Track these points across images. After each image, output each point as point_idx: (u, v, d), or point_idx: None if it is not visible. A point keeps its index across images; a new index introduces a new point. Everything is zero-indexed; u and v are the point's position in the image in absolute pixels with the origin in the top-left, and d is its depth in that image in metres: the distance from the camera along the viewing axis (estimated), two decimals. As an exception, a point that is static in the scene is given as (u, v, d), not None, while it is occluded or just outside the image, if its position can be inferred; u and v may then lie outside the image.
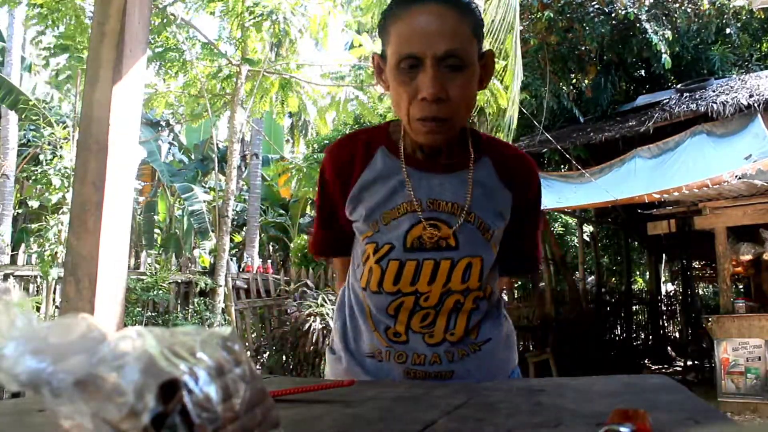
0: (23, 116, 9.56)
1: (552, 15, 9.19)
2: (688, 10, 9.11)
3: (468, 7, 0.96)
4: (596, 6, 9.40)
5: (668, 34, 8.71)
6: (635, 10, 8.80)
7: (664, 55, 8.54)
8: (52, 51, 6.99)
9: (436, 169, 1.04)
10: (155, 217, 12.78)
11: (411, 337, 1.05)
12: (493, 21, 5.48)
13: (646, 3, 9.04)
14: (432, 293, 1.03)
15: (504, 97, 6.48)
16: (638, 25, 8.85)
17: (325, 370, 1.20)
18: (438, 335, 1.04)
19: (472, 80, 0.97)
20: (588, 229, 12.01)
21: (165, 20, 7.17)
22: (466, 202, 1.02)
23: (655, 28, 8.69)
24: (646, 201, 6.85)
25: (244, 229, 12.93)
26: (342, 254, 1.19)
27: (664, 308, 12.41)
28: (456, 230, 1.01)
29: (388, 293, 1.04)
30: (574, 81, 10.31)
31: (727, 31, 9.40)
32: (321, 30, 7.23)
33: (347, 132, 15.27)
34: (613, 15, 9.19)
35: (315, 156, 11.37)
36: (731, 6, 9.22)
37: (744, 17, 9.62)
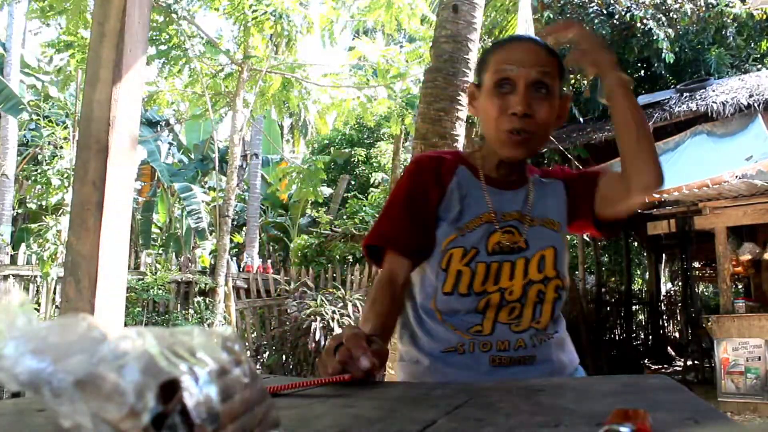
0: (21, 117, 9.56)
1: (552, 15, 9.19)
2: (688, 11, 9.11)
3: (555, 51, 1.18)
4: (596, 7, 9.39)
5: (671, 32, 8.71)
6: (638, 12, 8.81)
7: (665, 53, 8.54)
8: (57, 48, 6.99)
9: (505, 186, 1.20)
10: (155, 216, 12.79)
11: (497, 328, 1.13)
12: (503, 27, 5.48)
13: (647, 2, 9.04)
14: (515, 286, 1.13)
15: None
16: (639, 24, 8.86)
17: (399, 377, 1.22)
18: (525, 324, 1.13)
19: (554, 109, 1.15)
20: (588, 229, 11.99)
21: (168, 18, 7.17)
22: (529, 210, 1.18)
23: (660, 24, 8.70)
24: (646, 201, 6.84)
25: (244, 229, 12.93)
26: (406, 252, 1.16)
27: (664, 308, 12.40)
28: (522, 231, 1.16)
29: (477, 294, 1.12)
30: (573, 81, 10.31)
31: (725, 32, 9.40)
32: (326, 29, 7.23)
33: (348, 132, 15.20)
34: (615, 15, 9.19)
35: (314, 158, 11.38)
36: (729, 11, 9.22)
37: (742, 18, 9.61)
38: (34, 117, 9.44)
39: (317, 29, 7.30)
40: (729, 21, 9.38)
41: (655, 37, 8.57)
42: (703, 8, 9.17)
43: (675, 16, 9.07)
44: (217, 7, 7.46)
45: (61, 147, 7.17)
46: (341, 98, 8.38)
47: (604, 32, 9.07)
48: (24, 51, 12.82)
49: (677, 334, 12.49)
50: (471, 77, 3.92)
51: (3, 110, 9.88)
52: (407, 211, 1.17)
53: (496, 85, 1.12)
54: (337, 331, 7.19)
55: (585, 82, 9.95)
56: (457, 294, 1.12)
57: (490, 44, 1.24)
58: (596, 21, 9.17)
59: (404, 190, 1.19)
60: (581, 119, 9.40)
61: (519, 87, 1.10)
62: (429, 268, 1.15)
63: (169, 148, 15.38)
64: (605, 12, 9.29)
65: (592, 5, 9.43)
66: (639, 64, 10.32)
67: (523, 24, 5.44)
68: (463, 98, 3.78)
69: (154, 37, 7.21)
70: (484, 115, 1.16)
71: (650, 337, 11.54)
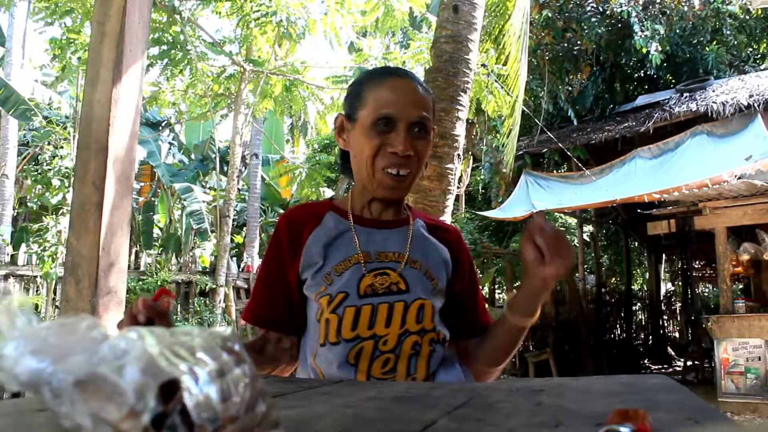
0: (20, 116, 9.56)
1: (550, 15, 9.19)
2: (685, 8, 9.12)
3: (430, 90, 1.17)
4: (593, 5, 9.40)
5: (659, 29, 8.69)
6: (628, 9, 8.81)
7: (653, 53, 8.54)
8: (60, 46, 6.98)
9: (380, 225, 1.16)
10: (155, 217, 12.78)
11: None
12: (501, 28, 5.48)
13: (641, 2, 9.04)
14: (390, 335, 1.06)
15: (506, 102, 6.48)
16: (630, 24, 8.87)
17: None
18: (400, 378, 1.07)
19: (429, 147, 1.14)
20: (588, 229, 12.01)
21: (170, 19, 7.17)
22: (407, 250, 1.13)
23: (645, 27, 8.69)
24: (646, 201, 6.85)
25: (244, 229, 12.92)
26: (272, 326, 1.16)
27: (664, 308, 12.40)
28: (401, 272, 1.10)
29: (347, 341, 1.06)
30: (569, 81, 10.32)
31: (724, 31, 9.40)
32: (330, 30, 7.23)
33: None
34: (608, 14, 9.19)
35: (316, 157, 11.36)
36: (726, 8, 9.22)
37: (741, 17, 9.61)
38: (35, 118, 9.44)
39: (320, 31, 7.30)
40: (728, 20, 9.37)
41: (640, 37, 8.56)
42: (702, 6, 9.18)
43: (672, 14, 9.07)
44: (219, 10, 7.47)
45: (61, 147, 7.17)
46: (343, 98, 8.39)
47: (600, 32, 9.08)
48: (25, 51, 12.81)
49: (677, 334, 12.49)
50: (471, 77, 3.92)
51: (13, 116, 9.88)
52: (264, 279, 1.17)
53: (375, 123, 1.08)
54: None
55: (581, 80, 9.96)
56: (329, 344, 1.07)
57: (360, 76, 1.23)
58: (593, 21, 9.18)
59: (263, 264, 1.20)
60: (574, 121, 9.41)
61: (400, 127, 1.07)
62: (311, 326, 1.12)
63: (169, 148, 15.37)
64: (601, 12, 9.30)
65: (589, 4, 9.43)
66: (636, 64, 10.34)
67: (519, 26, 5.44)
68: (464, 98, 3.78)
69: (156, 38, 7.21)
70: (358, 151, 1.11)
71: (650, 337, 11.54)
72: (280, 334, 1.15)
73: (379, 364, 1.06)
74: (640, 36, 8.59)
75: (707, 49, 9.33)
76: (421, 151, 1.10)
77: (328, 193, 13.15)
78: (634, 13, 8.81)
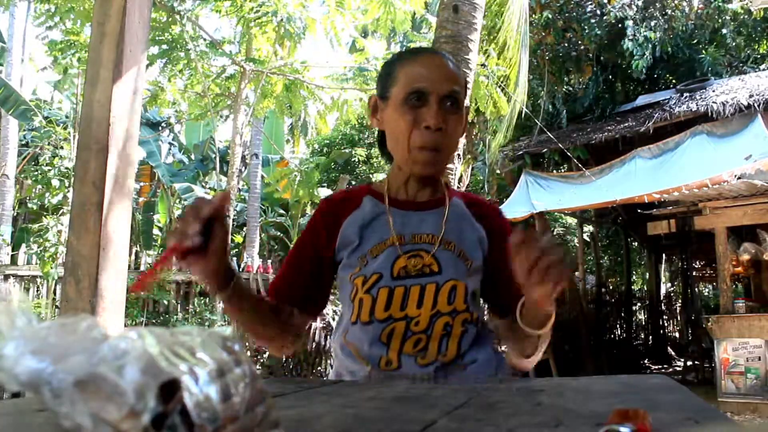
0: (21, 116, 9.55)
1: (550, 15, 9.18)
2: (687, 9, 9.11)
3: (460, 67, 1.18)
4: (592, 6, 9.40)
5: (651, 35, 8.71)
6: (622, 12, 8.81)
7: (637, 62, 8.57)
8: (60, 48, 6.98)
9: (415, 207, 1.16)
10: (155, 217, 12.78)
11: (404, 362, 1.09)
12: (500, 28, 5.48)
13: (638, 3, 9.04)
14: (422, 317, 1.08)
15: (504, 104, 6.48)
16: (625, 27, 8.88)
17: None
18: (430, 357, 1.09)
19: (462, 122, 1.13)
20: (588, 229, 12.01)
21: (170, 18, 7.17)
22: (441, 232, 1.13)
23: (638, 31, 8.70)
24: (646, 201, 6.85)
25: (244, 229, 12.92)
26: (287, 299, 1.18)
27: (664, 308, 12.40)
28: (435, 254, 1.11)
29: (379, 321, 1.09)
30: (571, 81, 10.32)
31: (723, 31, 9.40)
32: (330, 29, 7.23)
33: (348, 132, 15.20)
34: (604, 16, 9.19)
35: (312, 159, 11.37)
36: (726, 7, 9.22)
37: (741, 17, 9.60)
38: (35, 118, 9.43)
39: (320, 31, 7.29)
40: (728, 19, 9.37)
41: (631, 41, 8.58)
42: (702, 6, 9.17)
43: (672, 14, 9.06)
44: (219, 9, 7.46)
45: (61, 147, 7.17)
46: (344, 98, 8.38)
47: (599, 33, 9.08)
48: (25, 51, 12.80)
49: (677, 334, 12.49)
50: (471, 77, 3.91)
51: (13, 116, 9.87)
52: (292, 257, 1.21)
53: (407, 98, 1.08)
54: (337, 331, 7.19)
55: (581, 81, 9.96)
56: (360, 323, 1.10)
57: (391, 56, 1.26)
58: (592, 21, 9.17)
59: (295, 244, 1.23)
60: (565, 121, 9.42)
61: (432, 100, 1.07)
62: (344, 305, 1.16)
63: (169, 149, 15.36)
64: (600, 13, 9.30)
65: (589, 5, 9.43)
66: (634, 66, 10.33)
67: (516, 26, 5.44)
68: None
69: (157, 38, 7.21)
70: (392, 129, 1.12)
71: (650, 337, 11.54)
72: (294, 309, 1.18)
73: (411, 343, 1.08)
74: (631, 40, 8.63)
75: (705, 52, 9.34)
76: (454, 125, 1.10)
77: (326, 192, 13.16)
78: (630, 14, 8.81)
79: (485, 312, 1.20)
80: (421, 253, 1.11)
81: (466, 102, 1.19)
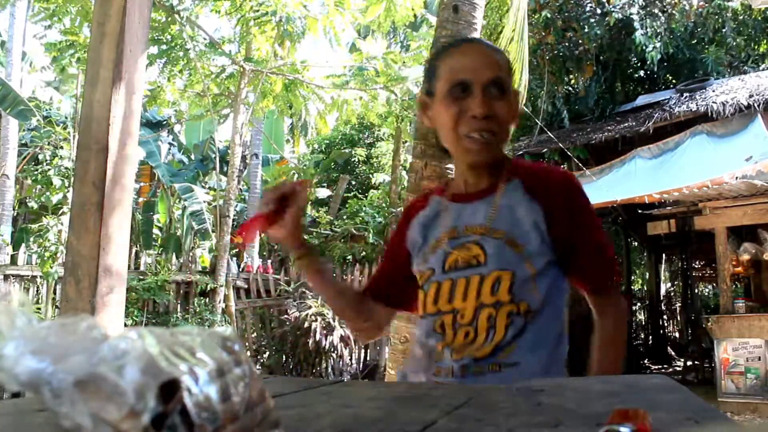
0: (21, 117, 9.55)
1: (549, 15, 9.18)
2: (687, 8, 9.11)
3: (502, 51, 1.20)
4: (592, 6, 9.39)
5: (658, 27, 8.70)
6: (625, 11, 8.81)
7: (650, 53, 8.54)
8: (60, 49, 6.98)
9: (471, 198, 1.17)
10: (155, 217, 12.78)
11: (445, 355, 1.11)
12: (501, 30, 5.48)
13: (640, 2, 9.03)
14: (467, 309, 1.09)
15: None
16: (630, 23, 8.87)
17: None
18: (467, 351, 1.08)
19: (511, 106, 1.13)
20: (588, 229, 11.99)
21: (170, 18, 7.17)
22: (489, 221, 1.12)
23: (646, 26, 8.70)
24: (646, 201, 6.84)
25: (244, 229, 12.89)
26: (378, 294, 1.29)
27: (664, 308, 12.40)
28: (482, 244, 1.11)
29: (431, 314, 1.14)
30: (572, 81, 10.32)
31: (723, 31, 9.40)
32: (330, 29, 7.23)
33: (348, 132, 15.18)
34: (605, 16, 9.19)
35: (311, 156, 11.37)
36: (727, 5, 9.21)
37: (741, 17, 9.59)
38: (34, 117, 9.43)
39: (320, 30, 7.29)
40: (728, 18, 9.36)
41: (641, 35, 8.56)
42: (703, 3, 9.16)
43: (673, 12, 9.06)
44: (218, 9, 7.47)
45: (61, 147, 7.17)
46: (344, 98, 8.39)
47: (600, 32, 9.08)
48: (24, 51, 12.81)
49: (677, 334, 12.48)
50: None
51: (11, 115, 9.87)
52: (385, 262, 1.35)
53: (451, 91, 1.09)
54: (338, 330, 7.20)
55: (582, 80, 9.96)
56: (419, 318, 1.17)
57: (432, 52, 1.33)
58: (592, 21, 9.17)
59: (387, 243, 1.36)
60: (566, 122, 9.41)
61: (475, 89, 1.07)
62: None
63: (169, 149, 15.36)
64: (599, 12, 9.29)
65: (589, 4, 9.43)
66: (636, 64, 10.33)
67: (513, 25, 5.43)
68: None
69: (156, 38, 7.21)
70: (441, 123, 1.12)
71: (650, 337, 11.54)
72: (379, 303, 1.29)
73: (461, 335, 1.10)
74: (641, 34, 8.59)
75: (706, 51, 9.34)
76: (502, 111, 1.09)
77: (325, 192, 13.16)
78: (635, 11, 8.81)
79: (563, 300, 1.13)
80: (469, 245, 1.12)
81: (516, 85, 1.25)
